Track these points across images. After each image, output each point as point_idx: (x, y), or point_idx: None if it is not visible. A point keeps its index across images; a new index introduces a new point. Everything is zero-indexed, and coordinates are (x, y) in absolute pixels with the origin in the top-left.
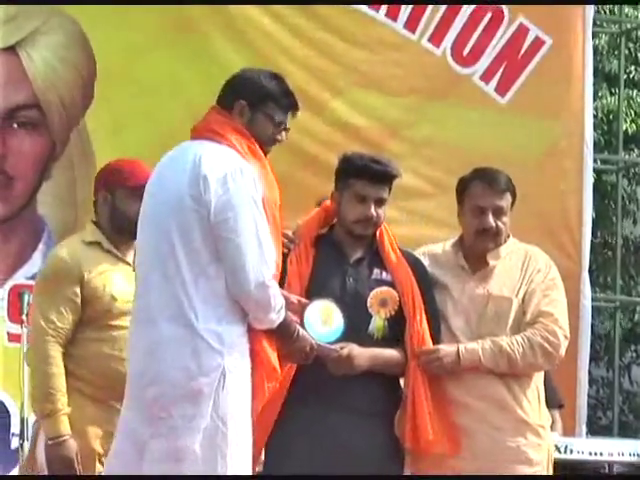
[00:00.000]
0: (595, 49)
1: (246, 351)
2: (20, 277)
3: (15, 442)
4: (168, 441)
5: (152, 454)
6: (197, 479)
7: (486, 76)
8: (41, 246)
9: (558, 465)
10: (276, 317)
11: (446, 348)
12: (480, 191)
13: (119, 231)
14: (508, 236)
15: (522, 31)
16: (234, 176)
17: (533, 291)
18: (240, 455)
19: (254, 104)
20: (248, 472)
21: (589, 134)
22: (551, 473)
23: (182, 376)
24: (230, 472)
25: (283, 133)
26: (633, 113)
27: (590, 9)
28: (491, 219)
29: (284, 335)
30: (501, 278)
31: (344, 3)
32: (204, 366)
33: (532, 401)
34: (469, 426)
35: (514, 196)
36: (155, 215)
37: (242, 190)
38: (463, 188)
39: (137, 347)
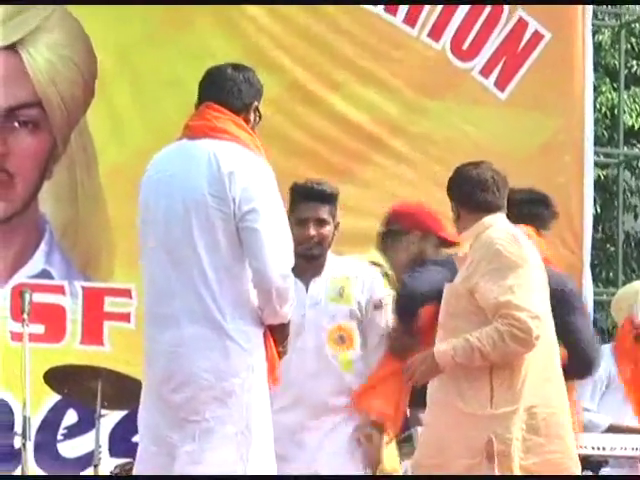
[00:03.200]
0: (598, 44)
1: (264, 349)
2: (22, 276)
3: (18, 442)
4: (199, 444)
5: (183, 458)
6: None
7: (485, 71)
8: (43, 245)
9: None
10: (289, 311)
11: (420, 357)
12: None
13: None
14: (457, 225)
15: (521, 25)
16: (256, 171)
17: (486, 287)
18: (262, 453)
19: (257, 104)
20: (269, 467)
21: (589, 128)
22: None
23: (213, 377)
24: (249, 471)
25: None
26: (637, 108)
27: (589, 2)
28: None
29: (285, 332)
30: (462, 267)
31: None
32: (234, 366)
33: (477, 393)
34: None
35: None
36: (170, 217)
37: (264, 183)
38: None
39: (158, 350)
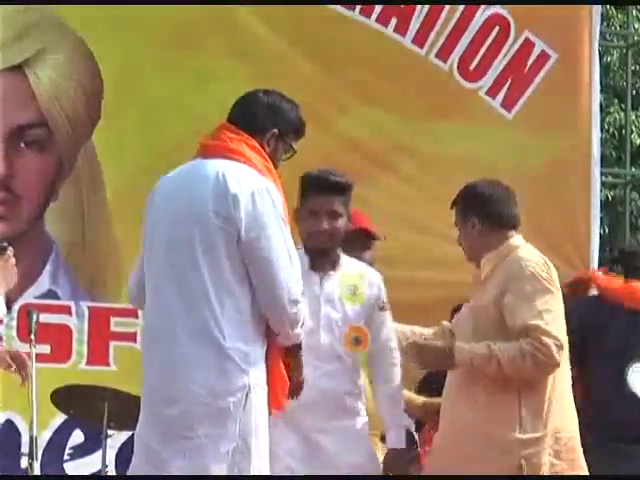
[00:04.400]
0: (607, 65)
1: (264, 369)
2: (29, 296)
3: (24, 462)
4: (190, 460)
5: (174, 472)
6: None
7: (492, 91)
8: (49, 266)
9: None
10: (301, 331)
11: (440, 345)
12: None
13: None
14: (478, 240)
15: (528, 45)
16: (262, 193)
17: (516, 306)
18: (260, 472)
19: (282, 134)
20: None
21: (596, 148)
22: None
23: (208, 394)
24: None
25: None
26: None
27: (596, 22)
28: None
29: (299, 356)
30: (489, 286)
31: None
32: (231, 385)
33: (505, 418)
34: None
35: (462, 205)
36: (173, 232)
37: (270, 207)
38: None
39: (154, 364)
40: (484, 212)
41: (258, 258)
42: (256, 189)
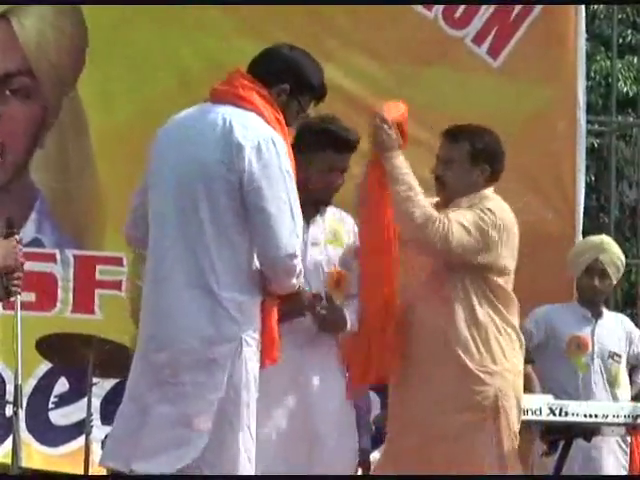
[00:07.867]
0: (593, 14)
1: (259, 324)
2: None
3: (9, 410)
4: (175, 407)
5: (156, 419)
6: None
7: (478, 39)
8: (34, 214)
9: (552, 427)
10: (297, 281)
11: None
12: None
13: None
14: (475, 186)
15: None
16: (268, 145)
17: None
18: (249, 426)
19: (294, 91)
20: (253, 444)
21: (582, 96)
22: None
23: (198, 343)
24: (239, 443)
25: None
26: (632, 77)
27: None
28: (439, 167)
29: (297, 303)
30: None
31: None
32: (222, 335)
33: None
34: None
35: (473, 146)
36: (178, 176)
37: (275, 160)
38: None
39: (150, 308)
40: (495, 166)
41: (257, 209)
42: (261, 139)
